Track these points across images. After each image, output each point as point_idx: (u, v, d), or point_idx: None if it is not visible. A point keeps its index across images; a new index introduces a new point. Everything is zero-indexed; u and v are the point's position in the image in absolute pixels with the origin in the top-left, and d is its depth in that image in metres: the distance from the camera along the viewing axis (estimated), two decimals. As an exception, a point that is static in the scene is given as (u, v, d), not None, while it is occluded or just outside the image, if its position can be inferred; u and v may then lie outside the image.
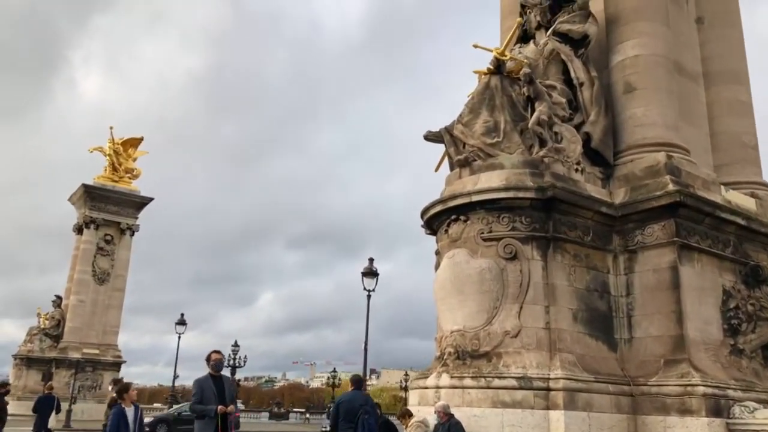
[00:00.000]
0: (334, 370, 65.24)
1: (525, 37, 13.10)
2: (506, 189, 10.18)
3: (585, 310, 10.17)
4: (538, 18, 12.86)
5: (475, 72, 12.31)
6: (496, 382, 9.24)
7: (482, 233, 10.29)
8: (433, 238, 11.90)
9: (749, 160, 13.21)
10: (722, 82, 13.35)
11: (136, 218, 52.65)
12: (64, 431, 30.63)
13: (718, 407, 9.23)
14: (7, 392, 14.99)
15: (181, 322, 41.23)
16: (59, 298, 49.32)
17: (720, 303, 10.59)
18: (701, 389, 9.10)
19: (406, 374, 66.80)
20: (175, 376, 43.09)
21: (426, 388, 10.16)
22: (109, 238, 50.56)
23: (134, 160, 55.22)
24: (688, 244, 10.28)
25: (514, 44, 12.77)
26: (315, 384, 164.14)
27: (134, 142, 55.28)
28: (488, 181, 10.49)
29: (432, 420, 9.41)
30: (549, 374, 9.18)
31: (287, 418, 54.85)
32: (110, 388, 14.52)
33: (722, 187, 11.52)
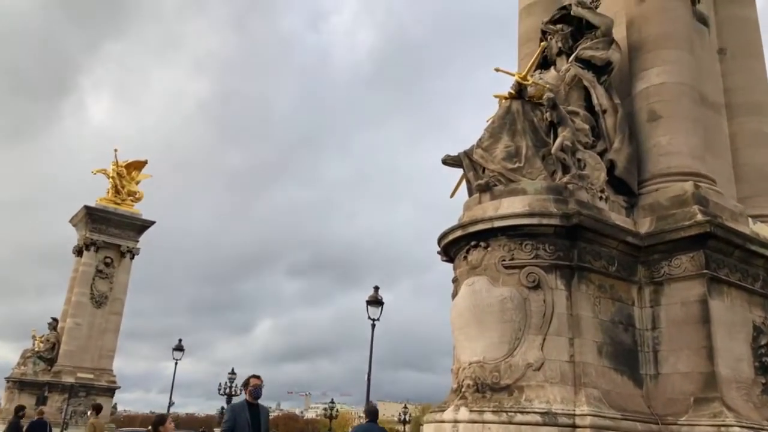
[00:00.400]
0: (332, 401, 64.15)
1: (545, 63, 12.91)
2: (530, 215, 9.84)
3: (610, 343, 9.74)
4: (560, 44, 12.68)
5: (496, 96, 12.11)
6: (519, 417, 8.77)
7: (504, 260, 9.92)
8: (449, 265, 11.55)
9: (774, 193, 12.91)
10: (745, 113, 13.12)
11: (137, 241, 52.24)
12: (56, 458, 29.68)
13: (752, 449, 8.77)
14: (23, 416, 14.60)
15: (179, 348, 40.51)
16: (55, 320, 48.58)
17: (750, 339, 10.17)
18: (736, 430, 8.63)
19: (405, 407, 65.75)
20: (171, 403, 42.11)
21: (443, 422, 9.68)
22: (108, 260, 50.08)
23: (137, 183, 55.08)
24: (717, 277, 9.90)
25: (534, 70, 12.58)
26: (310, 414, 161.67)
27: (138, 165, 55.21)
28: (510, 207, 10.16)
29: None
30: (574, 410, 8.72)
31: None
32: (89, 413, 14.04)
33: (749, 219, 11.18)
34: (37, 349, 45.69)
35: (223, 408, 51.60)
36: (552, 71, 12.60)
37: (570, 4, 12.71)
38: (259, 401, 7.66)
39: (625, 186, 11.16)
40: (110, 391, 47.53)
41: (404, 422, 63.09)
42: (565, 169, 10.62)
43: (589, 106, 11.89)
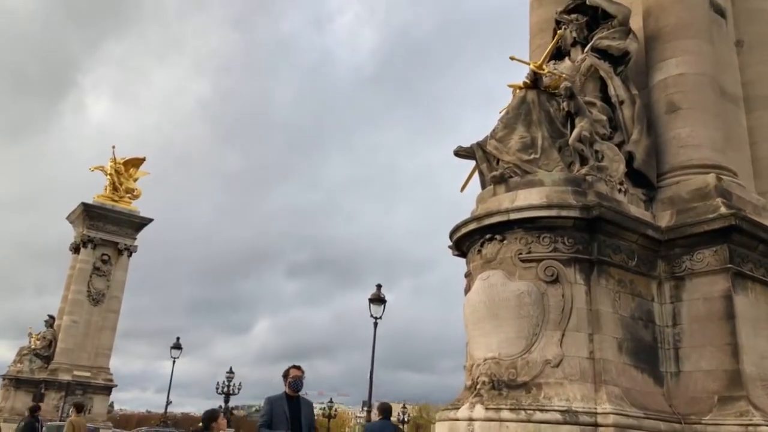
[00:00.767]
0: (331, 401, 63.76)
1: (558, 54, 12.58)
2: (548, 207, 9.52)
3: (630, 339, 9.42)
4: (575, 34, 12.37)
5: (510, 86, 11.79)
6: (538, 416, 8.44)
7: (520, 254, 9.60)
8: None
9: (792, 188, 12.61)
10: (763, 107, 12.81)
11: (135, 239, 51.80)
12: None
13: (780, 450, 8.45)
14: (38, 415, 14.51)
15: (177, 346, 40.16)
16: (52, 318, 48.13)
17: (774, 336, 9.85)
18: (765, 429, 8.31)
19: (404, 406, 65.35)
20: (168, 402, 41.72)
21: (457, 419, 9.34)
22: (106, 258, 49.62)
23: (135, 180, 54.63)
24: (741, 272, 9.59)
25: (547, 61, 12.26)
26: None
27: (136, 162, 54.77)
28: (527, 199, 9.83)
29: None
30: (596, 408, 8.40)
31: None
32: (70, 411, 13.64)
33: (771, 213, 10.88)
34: (33, 346, 45.26)
35: (221, 407, 51.23)
36: (567, 62, 12.29)
37: (585, -6, 12.40)
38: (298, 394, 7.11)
39: (644, 179, 10.85)
40: (107, 390, 47.09)
41: (403, 422, 62.69)
42: (583, 161, 10.31)
43: (605, 98, 11.58)
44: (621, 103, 11.33)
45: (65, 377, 44.23)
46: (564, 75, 11.48)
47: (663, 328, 9.89)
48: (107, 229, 50.10)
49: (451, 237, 11.22)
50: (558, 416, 8.35)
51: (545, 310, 9.18)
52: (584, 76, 11.78)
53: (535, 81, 11.17)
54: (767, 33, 13.34)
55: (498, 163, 10.87)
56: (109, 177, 52.52)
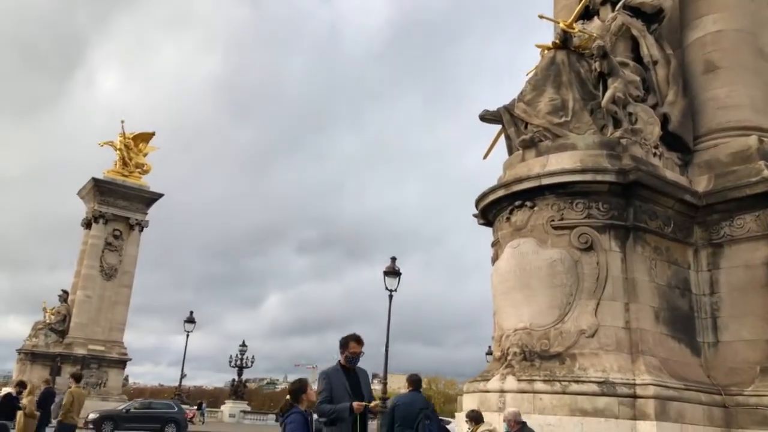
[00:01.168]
0: (343, 374, 63.90)
1: (587, 14, 12.03)
2: (582, 171, 9.10)
3: (667, 309, 9.07)
4: (604, -8, 11.80)
5: (538, 46, 11.30)
6: (574, 387, 8.13)
7: (552, 221, 9.21)
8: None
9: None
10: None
11: (146, 214, 51.71)
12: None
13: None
14: (54, 394, 14.35)
15: (190, 320, 40.22)
16: (65, 292, 48.32)
17: (817, 305, 9.45)
18: (812, 401, 7.99)
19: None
20: (183, 375, 41.93)
21: (487, 391, 9.06)
22: (117, 233, 49.60)
23: (145, 155, 54.32)
24: (785, 238, 9.17)
25: (576, 21, 11.71)
26: (317, 386, 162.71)
27: (145, 137, 54.41)
28: (559, 163, 9.41)
29: (501, 429, 8.32)
30: (634, 379, 8.07)
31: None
32: (69, 381, 13.28)
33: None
34: (48, 321, 45.51)
35: (234, 380, 51.49)
36: (596, 21, 11.77)
37: (616, -51, 11.79)
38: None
39: (679, 142, 10.38)
40: (121, 363, 47.44)
41: (415, 395, 62.98)
42: (617, 123, 9.85)
43: (637, 58, 11.08)
44: (654, 63, 10.83)
45: (80, 351, 44.53)
46: (595, 34, 10.96)
47: (700, 297, 9.52)
48: (118, 205, 50.01)
49: (476, 205, 10.84)
50: (595, 387, 8.04)
51: (579, 279, 8.82)
52: (615, 35, 11.26)
53: (564, 41, 10.66)
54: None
55: (526, 127, 10.44)
56: (118, 152, 52.25)
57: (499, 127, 11.84)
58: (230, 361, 50.42)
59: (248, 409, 51.58)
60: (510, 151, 10.91)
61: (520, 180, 9.55)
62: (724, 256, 9.44)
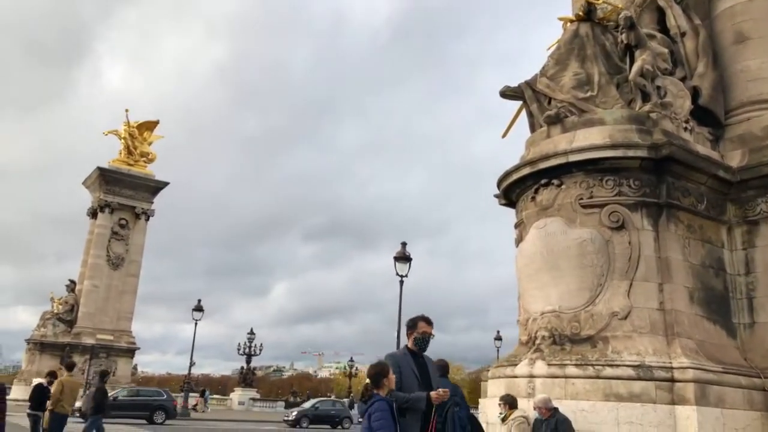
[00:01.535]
0: (351, 360, 63.94)
1: (609, -15, 11.57)
2: (613, 147, 8.70)
3: (701, 289, 8.71)
4: (628, -39, 11.32)
5: (561, 19, 10.88)
6: (608, 371, 7.80)
7: (581, 199, 8.84)
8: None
9: None
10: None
11: (152, 203, 51.50)
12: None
13: None
14: (107, 381, 14.25)
15: (198, 308, 39.92)
16: (73, 282, 48.22)
17: None
18: None
19: (424, 366, 65.37)
20: (192, 363, 41.86)
21: (515, 377, 8.74)
22: (123, 222, 49.43)
23: (150, 143, 54.01)
24: (825, 214, 8.79)
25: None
26: (323, 374, 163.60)
27: (150, 126, 54.06)
28: (587, 139, 9.02)
29: (533, 415, 8.02)
30: (671, 363, 7.74)
31: (303, 408, 53.67)
32: (62, 370, 12.99)
33: None
34: (55, 311, 45.46)
35: (242, 368, 51.40)
36: (619, -8, 11.29)
37: None
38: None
39: (710, 116, 9.98)
40: (130, 352, 47.42)
41: (423, 380, 62.92)
42: (645, 97, 9.45)
43: (664, 30, 10.64)
44: (682, 34, 10.40)
45: (89, 341, 44.49)
46: (619, 5, 10.54)
47: (734, 277, 9.16)
48: (124, 194, 49.80)
49: (498, 185, 10.48)
50: (630, 371, 7.71)
51: (610, 259, 8.46)
52: (640, 6, 10.84)
53: (588, 13, 10.24)
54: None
55: (550, 102, 10.05)
56: (123, 141, 51.94)
57: (518, 104, 11.47)
58: (239, 349, 50.37)
59: (257, 396, 51.59)
60: (532, 129, 10.52)
61: (546, 157, 9.17)
62: (759, 234, 9.07)
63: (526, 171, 9.50)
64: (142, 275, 50.89)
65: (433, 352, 5.90)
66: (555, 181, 9.13)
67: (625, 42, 9.84)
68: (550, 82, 10.05)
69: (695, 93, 9.89)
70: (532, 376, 8.45)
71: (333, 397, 54.98)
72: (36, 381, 14.05)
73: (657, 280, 8.37)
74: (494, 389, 9.27)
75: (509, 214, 10.70)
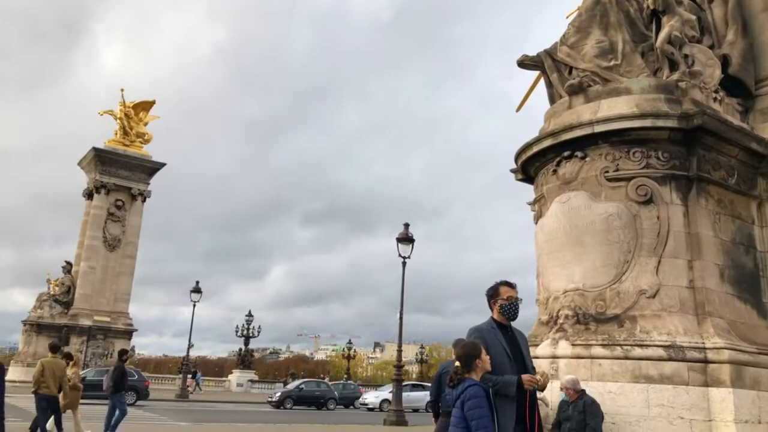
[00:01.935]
0: (350, 342, 63.86)
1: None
2: (641, 116, 8.25)
3: (732, 267, 8.32)
4: (652, -76, 10.79)
5: (582, -15, 10.33)
6: (637, 352, 7.42)
7: (607, 172, 8.41)
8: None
9: None
10: None
11: (148, 184, 50.93)
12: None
13: None
14: (127, 359, 14.12)
15: (197, 290, 39.62)
16: (69, 264, 47.77)
17: None
18: None
19: (422, 347, 65.48)
20: (190, 345, 41.58)
21: (536, 357, 8.32)
22: (120, 203, 48.90)
23: (146, 124, 53.31)
24: None
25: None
26: (319, 356, 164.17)
27: (146, 106, 53.31)
28: (613, 109, 8.57)
29: (553, 397, 7.65)
30: (704, 343, 7.36)
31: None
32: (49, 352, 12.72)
33: None
34: (52, 292, 45.05)
35: (240, 350, 51.21)
36: (642, -43, 10.77)
37: None
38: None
39: (739, 86, 9.53)
40: (127, 334, 47.09)
41: (422, 362, 63.04)
42: (673, 66, 8.99)
43: (687, -4, 10.14)
44: (710, 1, 9.91)
45: (86, 322, 44.14)
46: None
47: (764, 255, 8.77)
48: (120, 174, 49.21)
49: (516, 159, 10.04)
50: (661, 352, 7.33)
51: (638, 235, 8.05)
52: (665, -28, 10.30)
53: (611, -23, 9.72)
54: None
55: (571, 72, 9.58)
56: (119, 121, 51.22)
57: (535, 76, 11.03)
58: (236, 331, 50.17)
59: (255, 378, 51.48)
60: (551, 100, 10.06)
61: (570, 127, 8.71)
62: (791, 210, 8.67)
63: (547, 143, 9.05)
64: (139, 258, 50.50)
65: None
66: (579, 154, 8.69)
67: (651, 8, 9.36)
68: (571, 51, 9.58)
69: (724, 62, 9.43)
70: (555, 357, 8.07)
71: (327, 380, 54.91)
72: None
73: (687, 257, 7.98)
74: (513, 370, 8.89)
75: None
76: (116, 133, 51.21)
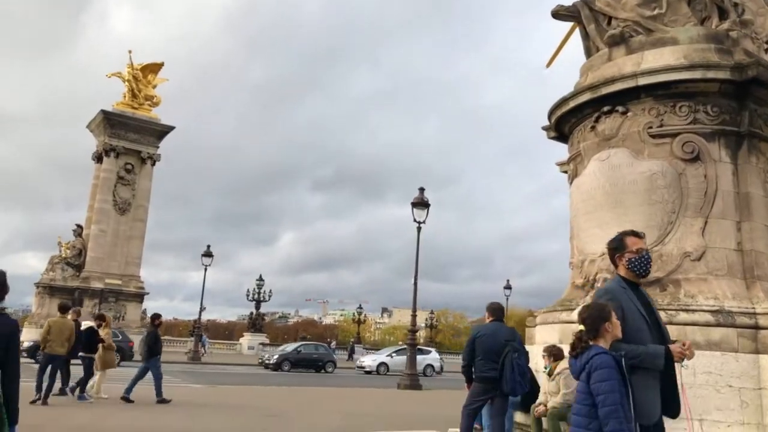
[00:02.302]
0: (360, 307, 64.01)
1: None
2: (690, 68, 7.72)
3: (781, 229, 7.86)
4: None
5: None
6: (682, 317, 7.03)
7: (650, 128, 7.92)
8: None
9: None
10: None
11: (157, 147, 50.55)
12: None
13: None
14: (160, 324, 14.09)
15: (208, 254, 39.53)
16: (80, 227, 47.76)
17: None
18: None
19: (432, 312, 65.51)
20: (202, 308, 41.69)
21: (571, 322, 7.97)
22: (129, 167, 48.62)
23: (154, 87, 52.67)
24: None
25: None
26: (328, 320, 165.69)
27: (154, 68, 52.58)
28: (658, 60, 8.04)
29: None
30: (754, 308, 6.96)
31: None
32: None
33: None
34: (63, 255, 45.11)
35: (252, 314, 51.34)
36: None
37: None
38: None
39: (791, 38, 8.91)
40: (139, 297, 47.30)
41: (431, 327, 63.21)
42: (722, 15, 8.41)
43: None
44: (761, -54, 9.23)
45: (98, 285, 44.29)
46: None
47: (814, 216, 8.29)
48: (129, 138, 48.83)
49: (549, 116, 9.54)
50: (708, 317, 6.93)
51: (683, 194, 7.60)
52: None
53: None
54: None
55: (609, 23, 9.01)
56: (127, 83, 50.60)
57: (567, 28, 10.43)
58: (248, 295, 50.25)
59: (267, 341, 51.70)
60: (588, 53, 9.51)
61: (611, 80, 8.19)
62: None
63: (586, 97, 8.53)
64: (150, 222, 50.40)
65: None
66: (620, 108, 8.18)
67: (698, -48, 8.71)
68: (611, 0, 8.99)
69: (775, 11, 8.83)
70: (592, 322, 7.69)
71: (333, 344, 55.05)
72: (86, 324, 14.03)
73: (735, 218, 7.53)
74: (545, 336, 8.55)
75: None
76: (125, 96, 50.66)
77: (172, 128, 50.93)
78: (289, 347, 35.65)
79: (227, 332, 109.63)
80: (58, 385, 12.53)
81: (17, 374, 3.54)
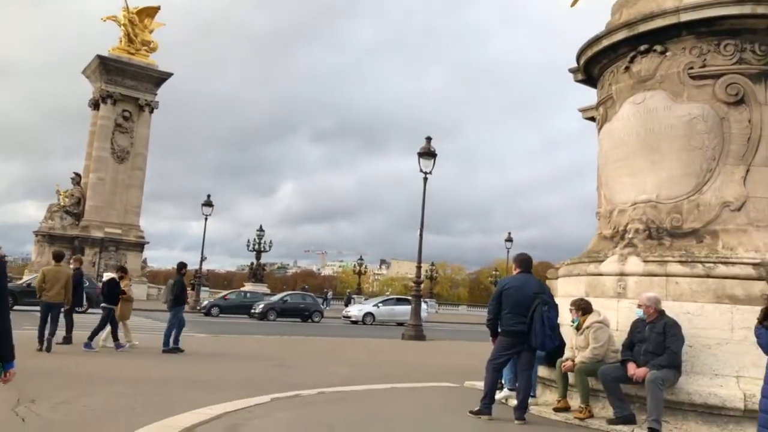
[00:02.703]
0: (361, 258, 64.03)
1: None
2: (739, 1, 7.12)
3: (825, 178, 7.41)
4: None
5: None
6: (721, 269, 6.65)
7: (691, 68, 7.37)
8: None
9: None
10: None
11: (155, 95, 49.55)
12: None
13: None
14: (185, 273, 14.10)
15: (208, 204, 39.11)
16: (78, 175, 47.19)
17: None
18: None
19: (432, 264, 65.65)
20: (203, 258, 41.51)
21: (600, 275, 7.63)
22: (127, 114, 47.75)
23: (151, 32, 51.29)
24: None
25: None
26: (326, 272, 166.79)
27: (150, 12, 51.06)
28: (702, -6, 7.42)
29: (620, 317, 6.98)
30: (798, 261, 6.57)
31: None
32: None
33: None
34: (62, 204, 44.70)
35: (252, 264, 51.22)
36: None
37: None
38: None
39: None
40: (139, 246, 47.15)
41: (431, 278, 63.46)
42: (771, -54, 7.73)
43: None
44: None
45: (97, 234, 44.06)
46: None
47: None
48: (126, 84, 47.79)
49: (578, 57, 8.96)
50: (750, 270, 6.55)
51: (725, 140, 7.12)
52: None
53: None
54: None
55: (646, -45, 8.33)
56: (123, 27, 49.23)
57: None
58: (248, 246, 50.03)
59: (268, 291, 51.80)
60: (619, -10, 8.85)
61: (650, 16, 7.59)
62: None
63: (621, 35, 7.94)
64: (149, 172, 49.84)
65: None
66: (658, 48, 7.62)
67: None
68: (650, -71, 8.29)
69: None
70: (623, 274, 7.33)
71: (330, 294, 55.07)
72: (107, 276, 13.93)
73: (779, 166, 7.07)
74: (570, 288, 8.19)
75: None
76: (121, 41, 49.38)
77: (170, 75, 49.85)
78: (275, 297, 35.45)
79: (226, 282, 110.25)
80: (62, 333, 12.28)
81: (7, 310, 3.29)
